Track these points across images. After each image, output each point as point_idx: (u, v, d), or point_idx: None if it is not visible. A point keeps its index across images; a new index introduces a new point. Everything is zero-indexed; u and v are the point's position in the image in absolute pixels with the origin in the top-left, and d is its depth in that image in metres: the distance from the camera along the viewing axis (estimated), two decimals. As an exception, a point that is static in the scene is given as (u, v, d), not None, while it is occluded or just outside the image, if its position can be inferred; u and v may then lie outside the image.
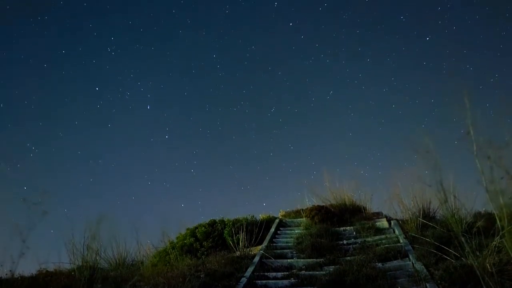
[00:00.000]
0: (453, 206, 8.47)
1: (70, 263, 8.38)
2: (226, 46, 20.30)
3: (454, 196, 8.17)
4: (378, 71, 19.10)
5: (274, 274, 8.84)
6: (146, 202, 18.19)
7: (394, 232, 10.79)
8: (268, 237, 11.39)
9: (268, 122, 19.10)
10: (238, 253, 10.32)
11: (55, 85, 19.07)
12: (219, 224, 12.08)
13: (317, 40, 19.46)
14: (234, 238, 10.90)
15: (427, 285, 7.03)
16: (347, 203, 12.84)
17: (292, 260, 9.59)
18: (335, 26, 19.33)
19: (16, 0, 18.47)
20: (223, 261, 9.40)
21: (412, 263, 8.24)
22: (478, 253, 6.43)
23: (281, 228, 12.66)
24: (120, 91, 19.45)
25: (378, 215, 12.52)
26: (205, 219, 12.37)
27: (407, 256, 8.74)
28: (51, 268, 8.79)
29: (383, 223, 11.62)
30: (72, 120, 19.07)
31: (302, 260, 9.48)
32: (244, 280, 8.24)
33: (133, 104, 19.64)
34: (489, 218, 7.67)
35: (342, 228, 11.68)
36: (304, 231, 11.59)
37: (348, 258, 9.02)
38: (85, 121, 19.40)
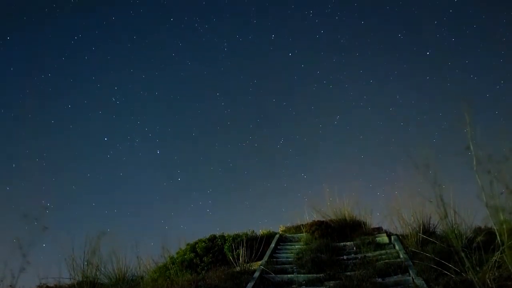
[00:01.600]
0: (453, 221, 8.49)
1: (70, 279, 8.39)
2: (228, 82, 20.42)
3: (454, 211, 8.17)
4: (383, 91, 19.16)
5: (274, 289, 8.82)
6: (147, 217, 18.14)
7: (394, 247, 10.78)
8: (268, 252, 11.36)
9: (279, 154, 18.96)
10: (238, 268, 10.29)
11: (64, 140, 19.13)
12: (219, 239, 12.07)
13: (318, 67, 19.57)
14: (234, 253, 10.87)
15: (428, 300, 7.02)
16: (347, 218, 12.83)
17: (292, 275, 9.57)
18: (334, 51, 19.50)
19: (18, 61, 18.56)
20: (223, 276, 9.37)
21: (412, 278, 8.22)
22: (478, 269, 6.43)
23: (281, 243, 12.64)
24: (129, 139, 19.47)
25: (378, 230, 12.51)
26: (205, 234, 12.36)
27: (407, 271, 8.72)
28: (51, 283, 8.79)
29: (383, 238, 11.61)
30: (84, 172, 19.09)
31: (302, 275, 9.45)
32: (244, 295, 8.21)
33: (142, 150, 19.66)
34: (489, 233, 7.68)
35: (342, 243, 11.66)
36: (305, 246, 11.57)
37: (349, 273, 8.99)
38: (97, 173, 19.38)
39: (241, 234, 12.06)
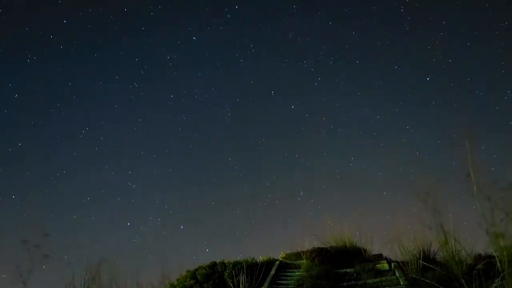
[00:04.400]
0: (454, 248, 8.51)
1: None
2: (237, 146, 20.31)
3: (454, 239, 8.19)
4: (389, 123, 19.16)
5: (275, 316, 8.78)
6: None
7: (394, 274, 10.76)
8: (268, 279, 11.33)
9: (302, 205, 18.73)
10: (239, 295, 10.25)
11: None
12: (219, 266, 12.03)
13: (322, 114, 19.54)
14: (235, 280, 10.85)
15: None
16: (347, 245, 12.83)
17: (293, 302, 9.53)
18: (335, 95, 19.54)
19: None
20: (224, 303, 9.33)
21: (414, 305, 8.21)
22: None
23: (281, 270, 12.59)
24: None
25: (379, 257, 12.48)
26: (205, 261, 12.32)
27: (409, 298, 8.71)
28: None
29: (384, 265, 11.59)
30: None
31: (303, 302, 9.42)
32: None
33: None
34: (490, 260, 7.70)
35: (342, 270, 11.64)
36: (305, 273, 11.54)
37: (350, 300, 8.97)
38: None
39: (241, 261, 12.04)
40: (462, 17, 17.67)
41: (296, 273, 12.00)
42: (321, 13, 18.82)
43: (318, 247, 12.85)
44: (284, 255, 14.14)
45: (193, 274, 11.90)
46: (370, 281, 10.45)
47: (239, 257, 12.38)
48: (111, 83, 18.97)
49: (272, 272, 12.03)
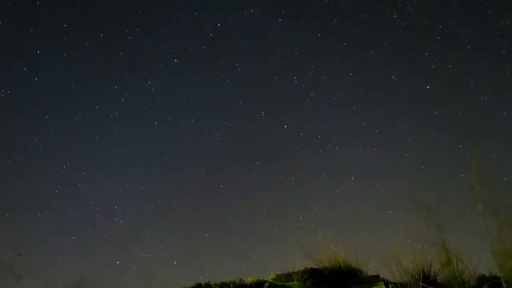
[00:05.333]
0: (456, 269, 8.14)
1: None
2: (229, 170, 19.54)
3: (457, 258, 7.81)
4: (390, 137, 18.52)
5: None
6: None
7: (392, 296, 10.20)
8: (257, 302, 10.72)
9: (301, 231, 17.90)
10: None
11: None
12: (204, 288, 11.42)
13: (317, 132, 18.79)
14: (221, 303, 10.24)
15: None
16: (342, 265, 12.26)
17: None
18: (329, 111, 18.78)
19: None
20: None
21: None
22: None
23: (271, 292, 11.97)
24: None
25: (376, 278, 11.93)
26: (189, 283, 11.68)
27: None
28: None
29: (381, 287, 11.05)
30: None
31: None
32: None
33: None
34: (495, 281, 7.26)
35: (336, 293, 11.05)
36: (296, 295, 10.96)
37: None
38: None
39: (228, 282, 11.46)
40: (459, 19, 17.03)
41: (287, 296, 11.40)
42: (308, 25, 18.21)
43: (311, 268, 12.27)
44: (274, 276, 13.56)
45: (176, 297, 11.27)
46: (366, 304, 9.86)
47: (225, 279, 11.78)
48: (91, 113, 18.30)
49: (262, 294, 11.41)
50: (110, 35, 17.85)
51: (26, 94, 17.70)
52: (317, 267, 12.37)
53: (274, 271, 13.64)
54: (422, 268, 9.96)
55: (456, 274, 8.15)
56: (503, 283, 5.97)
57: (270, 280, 13.00)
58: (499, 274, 6.03)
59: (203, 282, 11.70)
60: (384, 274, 11.79)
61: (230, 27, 18.17)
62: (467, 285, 8.37)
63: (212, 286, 11.37)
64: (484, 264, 8.20)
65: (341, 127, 18.18)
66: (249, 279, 12.41)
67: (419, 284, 9.44)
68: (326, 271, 12.10)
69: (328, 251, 12.42)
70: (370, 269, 12.34)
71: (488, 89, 16.35)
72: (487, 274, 8.81)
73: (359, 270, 12.23)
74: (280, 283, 12.60)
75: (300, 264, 12.78)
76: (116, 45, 17.98)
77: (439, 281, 9.90)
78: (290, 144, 18.34)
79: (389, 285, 10.85)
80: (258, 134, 18.72)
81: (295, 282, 12.11)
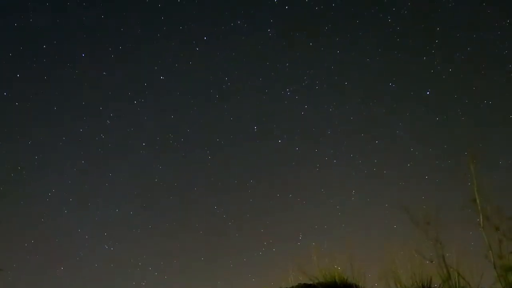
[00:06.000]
0: (457, 284, 7.90)
1: None
2: (223, 189, 18.92)
3: (458, 273, 7.60)
4: (391, 147, 17.93)
5: None
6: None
7: (390, 313, 9.99)
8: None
9: (298, 249, 17.22)
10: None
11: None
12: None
13: (314, 146, 17.87)
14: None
15: None
16: (337, 280, 11.97)
17: None
18: (325, 124, 18.24)
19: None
20: None
21: None
22: None
23: (265, 309, 11.74)
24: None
25: (373, 293, 11.72)
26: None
27: None
28: None
29: (379, 302, 10.82)
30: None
31: None
32: None
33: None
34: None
35: (332, 309, 10.83)
36: (290, 312, 10.72)
37: None
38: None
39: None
40: (457, 20, 16.38)
41: (281, 313, 11.16)
42: (298, 34, 17.69)
43: (304, 284, 12.01)
44: (266, 292, 13.33)
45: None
46: (363, 321, 9.65)
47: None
48: (75, 137, 17.79)
49: (255, 311, 11.17)
50: (92, 54, 17.36)
51: (7, 119, 17.46)
52: (311, 282, 12.12)
53: (264, 286, 13.39)
54: (422, 284, 9.76)
55: (457, 289, 7.96)
56: (506, 299, 5.82)
57: (264, 297, 12.78)
58: (501, 290, 5.88)
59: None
60: (381, 289, 11.59)
61: (217, 40, 17.47)
62: (468, 301, 8.20)
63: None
64: (487, 279, 8.00)
65: (338, 139, 17.54)
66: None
67: (419, 300, 9.27)
68: (321, 286, 11.87)
69: (323, 266, 12.19)
70: (367, 285, 12.11)
71: (491, 91, 15.84)
72: (489, 290, 8.65)
73: (356, 285, 11.99)
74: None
75: (293, 279, 12.52)
76: (98, 64, 17.55)
77: (439, 297, 9.73)
78: (286, 159, 17.65)
79: (388, 301, 10.66)
80: (251, 150, 18.03)
81: (289, 298, 11.89)
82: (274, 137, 17.58)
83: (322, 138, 17.53)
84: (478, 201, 5.89)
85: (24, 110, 17.33)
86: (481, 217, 5.85)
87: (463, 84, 16.14)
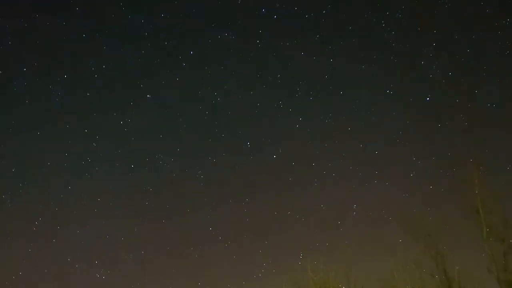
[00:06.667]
0: None
1: None
2: (217, 210, 18.06)
3: (460, 287, 7.42)
4: (392, 157, 17.08)
5: None
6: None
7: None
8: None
9: (299, 269, 16.29)
10: None
11: None
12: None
13: (311, 158, 17.21)
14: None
15: None
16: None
17: None
18: (321, 134, 17.34)
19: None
20: None
21: None
22: None
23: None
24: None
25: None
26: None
27: None
28: None
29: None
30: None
31: None
32: None
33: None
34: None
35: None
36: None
37: None
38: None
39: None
40: (455, 20, 15.64)
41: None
42: (289, 44, 16.91)
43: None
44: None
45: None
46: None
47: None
48: (61, 161, 17.08)
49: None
50: (75, 75, 17.03)
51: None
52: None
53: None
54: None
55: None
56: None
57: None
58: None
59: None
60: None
61: (205, 53, 16.89)
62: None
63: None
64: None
65: (337, 151, 16.71)
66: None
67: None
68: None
69: (319, 280, 11.92)
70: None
71: (495, 94, 15.04)
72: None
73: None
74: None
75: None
76: (80, 84, 17.02)
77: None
78: (282, 175, 16.72)
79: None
80: (245, 167, 17.23)
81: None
82: (268, 153, 16.58)
83: (319, 151, 16.75)
84: (481, 212, 5.69)
85: (5, 136, 17.09)
86: (484, 228, 5.63)
87: (464, 87, 15.33)
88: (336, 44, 16.33)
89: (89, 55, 16.74)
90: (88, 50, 16.77)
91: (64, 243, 16.23)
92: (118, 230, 16.59)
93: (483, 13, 15.08)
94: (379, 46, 16.15)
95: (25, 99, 16.92)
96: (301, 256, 14.43)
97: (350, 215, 15.56)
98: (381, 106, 16.16)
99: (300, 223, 15.99)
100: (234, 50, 16.82)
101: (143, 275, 16.07)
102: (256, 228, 16.62)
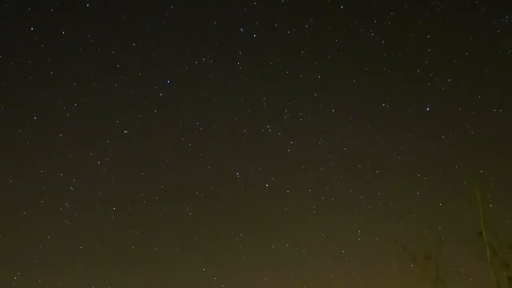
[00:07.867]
0: None
1: None
2: (210, 248, 17.19)
3: None
4: (394, 176, 16.25)
5: None
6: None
7: None
8: None
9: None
10: None
11: None
12: None
13: (307, 184, 16.44)
14: None
15: None
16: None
17: None
18: (314, 157, 16.90)
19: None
20: None
21: None
22: None
23: None
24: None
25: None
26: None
27: None
28: None
29: None
30: None
31: None
32: None
33: None
34: None
35: None
36: None
37: None
38: None
39: None
40: (450, 22, 14.98)
41: None
42: (272, 63, 15.85)
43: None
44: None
45: None
46: None
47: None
48: (36, 208, 16.25)
49: None
50: (46, 115, 16.58)
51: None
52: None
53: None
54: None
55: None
56: None
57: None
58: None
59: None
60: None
61: (181, 82, 15.95)
62: None
63: None
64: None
65: (334, 175, 15.72)
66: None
67: None
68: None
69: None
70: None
71: (498, 99, 14.29)
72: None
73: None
74: None
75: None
76: (53, 123, 16.62)
77: None
78: (277, 205, 15.63)
79: None
80: (236, 199, 16.24)
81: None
82: (260, 182, 15.53)
83: (314, 175, 15.76)
84: (484, 234, 5.35)
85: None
86: (488, 251, 5.30)
87: (465, 93, 14.72)
88: (323, 59, 14.98)
89: (58, 99, 15.79)
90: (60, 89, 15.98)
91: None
92: (104, 280, 15.55)
93: (480, 12, 14.39)
94: (370, 57, 15.10)
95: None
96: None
97: (355, 241, 14.57)
98: (377, 122, 15.22)
99: (300, 255, 14.33)
100: (214, 75, 14.99)
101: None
102: (253, 266, 15.58)
